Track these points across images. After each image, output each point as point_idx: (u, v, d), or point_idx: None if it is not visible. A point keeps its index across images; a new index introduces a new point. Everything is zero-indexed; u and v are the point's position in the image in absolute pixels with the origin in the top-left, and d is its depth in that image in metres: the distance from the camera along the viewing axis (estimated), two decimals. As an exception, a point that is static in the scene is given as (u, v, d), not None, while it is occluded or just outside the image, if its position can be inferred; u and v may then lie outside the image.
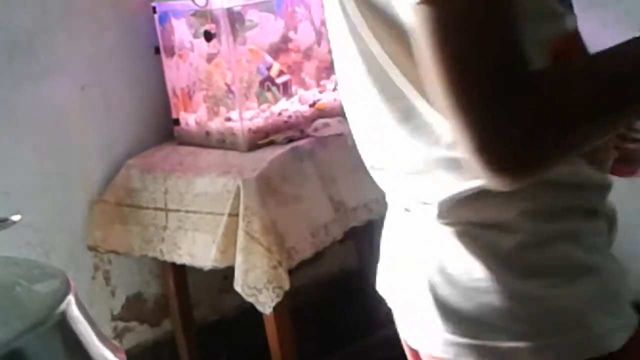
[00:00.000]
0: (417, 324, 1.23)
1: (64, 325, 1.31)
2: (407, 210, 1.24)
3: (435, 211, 1.16)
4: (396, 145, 1.19)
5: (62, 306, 1.32)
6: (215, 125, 2.81)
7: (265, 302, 2.48)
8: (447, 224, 1.17)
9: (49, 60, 2.80)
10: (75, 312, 1.34)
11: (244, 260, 2.48)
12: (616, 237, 1.26)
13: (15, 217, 1.63)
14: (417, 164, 1.17)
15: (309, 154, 2.64)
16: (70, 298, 1.34)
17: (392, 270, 1.31)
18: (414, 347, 1.26)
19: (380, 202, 2.59)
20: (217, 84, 2.80)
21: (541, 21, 1.07)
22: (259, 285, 2.47)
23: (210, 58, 2.80)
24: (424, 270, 1.19)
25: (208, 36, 2.73)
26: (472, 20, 0.93)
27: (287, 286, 2.48)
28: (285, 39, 2.89)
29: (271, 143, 2.70)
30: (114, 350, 1.41)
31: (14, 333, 1.23)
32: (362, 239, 3.50)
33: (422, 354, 1.24)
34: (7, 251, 2.02)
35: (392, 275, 1.31)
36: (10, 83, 2.72)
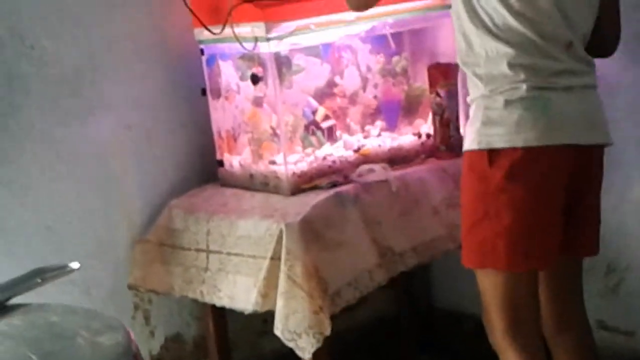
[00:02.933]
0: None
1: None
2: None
3: None
4: None
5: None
6: (259, 168, 2.81)
7: (305, 347, 2.46)
8: None
9: (95, 99, 2.83)
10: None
11: (285, 305, 2.46)
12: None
13: (75, 265, 1.63)
14: None
15: (353, 200, 2.62)
16: (134, 353, 1.33)
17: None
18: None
19: (428, 245, 2.55)
20: (263, 127, 2.81)
21: None
22: (299, 330, 2.45)
23: (256, 101, 2.81)
24: None
25: (255, 79, 2.74)
26: None
27: (328, 331, 2.45)
28: (331, 84, 2.90)
29: (315, 188, 2.70)
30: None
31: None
32: (398, 286, 3.45)
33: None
34: (48, 287, 2.03)
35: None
36: (56, 119, 2.75)
